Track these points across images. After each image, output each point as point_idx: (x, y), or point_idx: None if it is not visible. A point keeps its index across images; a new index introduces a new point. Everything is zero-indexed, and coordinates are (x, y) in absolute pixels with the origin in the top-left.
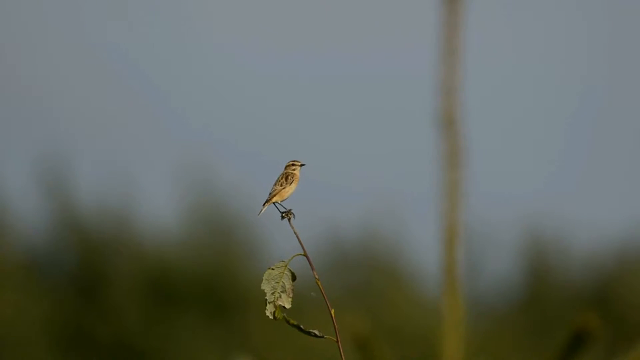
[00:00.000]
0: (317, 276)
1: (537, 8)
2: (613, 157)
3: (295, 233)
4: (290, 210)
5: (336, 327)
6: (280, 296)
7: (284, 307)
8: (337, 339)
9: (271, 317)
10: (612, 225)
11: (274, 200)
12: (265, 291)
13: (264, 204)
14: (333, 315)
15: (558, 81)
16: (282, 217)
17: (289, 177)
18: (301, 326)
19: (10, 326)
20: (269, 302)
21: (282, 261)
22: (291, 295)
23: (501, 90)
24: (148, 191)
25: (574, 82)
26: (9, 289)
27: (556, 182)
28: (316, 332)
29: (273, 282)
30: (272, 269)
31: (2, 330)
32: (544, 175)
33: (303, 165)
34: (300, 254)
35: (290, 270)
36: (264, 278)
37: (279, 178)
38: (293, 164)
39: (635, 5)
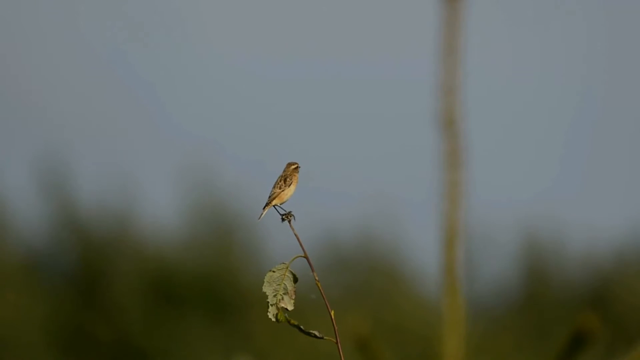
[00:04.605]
0: (317, 277)
1: (537, 9)
2: (611, 159)
3: (295, 235)
4: (290, 212)
5: (336, 328)
6: (282, 298)
7: (286, 309)
8: (337, 340)
9: (273, 319)
10: (609, 226)
11: (273, 203)
12: (267, 294)
13: (264, 208)
14: (333, 316)
15: (558, 83)
16: (283, 220)
17: (288, 179)
18: (301, 327)
19: (10, 327)
20: (271, 305)
21: (283, 263)
22: (293, 297)
23: (501, 91)
24: (149, 191)
25: (574, 84)
26: (9, 290)
27: (554, 184)
28: (316, 333)
29: (275, 285)
30: (273, 271)
31: (2, 331)
32: (543, 177)
33: (299, 167)
34: (301, 256)
35: (291, 272)
36: (265, 280)
37: (277, 180)
38: (292, 166)
39: (636, 7)
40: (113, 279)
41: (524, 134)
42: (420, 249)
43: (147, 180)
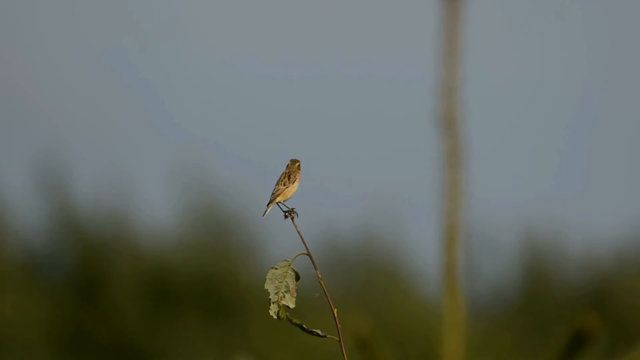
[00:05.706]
0: (320, 275)
1: (537, 10)
2: (611, 160)
3: (298, 232)
4: (293, 209)
5: (339, 326)
6: (284, 296)
7: (287, 306)
8: (340, 339)
9: (275, 317)
10: (609, 227)
11: (277, 200)
12: (269, 291)
13: (267, 205)
14: (336, 314)
15: (558, 83)
16: (286, 217)
17: (292, 176)
18: (304, 326)
19: (9, 327)
20: (273, 302)
21: (286, 260)
22: (295, 295)
23: (501, 92)
24: (146, 191)
25: (574, 84)
26: (7, 290)
27: (554, 185)
28: (319, 331)
29: (276, 282)
30: (276, 269)
31: (1, 331)
32: (542, 177)
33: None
34: (304, 253)
35: (293, 269)
36: (267, 278)
37: (281, 177)
38: (295, 163)
39: (636, 7)
40: (111, 279)
41: (524, 134)
42: (421, 249)
43: (145, 180)
